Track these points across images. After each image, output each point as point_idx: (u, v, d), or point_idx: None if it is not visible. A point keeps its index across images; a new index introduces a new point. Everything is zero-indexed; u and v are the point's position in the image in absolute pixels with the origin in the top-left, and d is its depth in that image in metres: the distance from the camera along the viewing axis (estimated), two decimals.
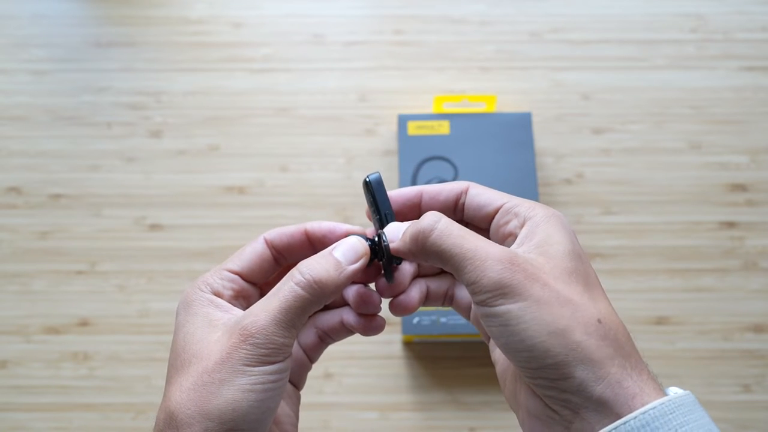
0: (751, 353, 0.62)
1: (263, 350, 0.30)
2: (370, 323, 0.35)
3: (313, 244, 0.35)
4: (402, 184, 0.65)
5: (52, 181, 0.68)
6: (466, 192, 0.35)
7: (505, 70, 0.73)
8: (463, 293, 0.37)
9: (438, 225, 0.31)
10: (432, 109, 0.69)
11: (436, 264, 0.32)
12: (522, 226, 0.32)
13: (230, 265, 0.34)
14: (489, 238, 0.33)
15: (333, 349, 0.61)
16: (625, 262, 0.65)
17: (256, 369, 0.29)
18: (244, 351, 0.29)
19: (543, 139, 0.69)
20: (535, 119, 0.69)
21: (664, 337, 0.62)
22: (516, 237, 0.32)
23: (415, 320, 0.60)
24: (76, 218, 0.67)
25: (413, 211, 0.35)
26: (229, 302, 0.33)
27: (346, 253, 0.32)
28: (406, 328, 0.60)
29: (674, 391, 0.29)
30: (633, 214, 0.66)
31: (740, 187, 0.67)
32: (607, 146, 0.69)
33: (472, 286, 0.30)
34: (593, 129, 0.70)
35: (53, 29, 0.75)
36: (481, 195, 0.34)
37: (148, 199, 0.67)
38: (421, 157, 0.66)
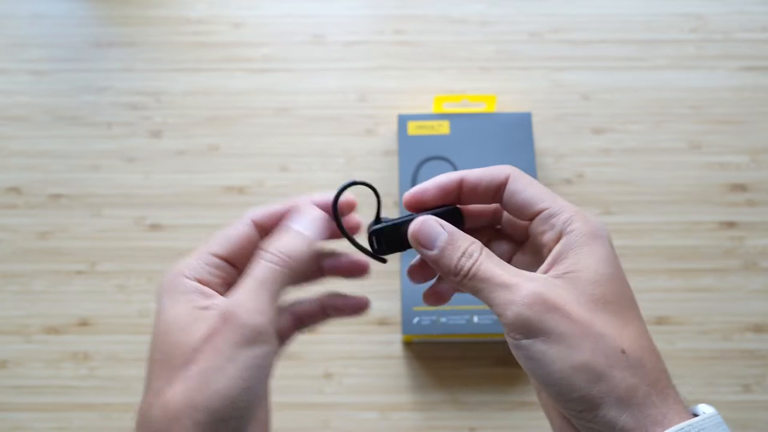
0: (751, 353, 0.62)
1: (246, 332, 0.29)
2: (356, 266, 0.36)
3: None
4: (402, 184, 0.65)
5: (52, 181, 0.68)
6: (506, 184, 0.34)
7: (505, 70, 0.73)
8: None
9: (474, 265, 0.31)
10: (432, 109, 0.69)
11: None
12: (557, 239, 0.31)
13: (216, 248, 0.33)
14: (528, 236, 0.34)
15: (333, 349, 0.62)
16: (625, 262, 0.64)
17: (241, 355, 0.29)
18: (228, 335, 0.29)
19: (543, 139, 0.69)
20: (535, 119, 0.69)
21: (664, 337, 0.62)
22: (551, 250, 0.32)
23: (415, 320, 0.60)
24: (76, 218, 0.67)
25: (450, 198, 0.35)
26: (216, 290, 0.32)
27: (303, 223, 0.33)
28: (406, 328, 0.60)
29: (703, 410, 0.29)
30: (633, 214, 0.66)
31: (740, 187, 0.67)
32: (607, 146, 0.69)
33: (500, 318, 0.30)
34: (593, 129, 0.70)
35: (53, 29, 0.75)
36: (520, 193, 0.33)
37: (148, 199, 0.67)
38: (421, 157, 0.66)
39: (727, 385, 0.61)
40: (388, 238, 0.33)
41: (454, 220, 0.34)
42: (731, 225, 0.66)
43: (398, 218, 0.34)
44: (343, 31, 0.75)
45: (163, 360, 0.30)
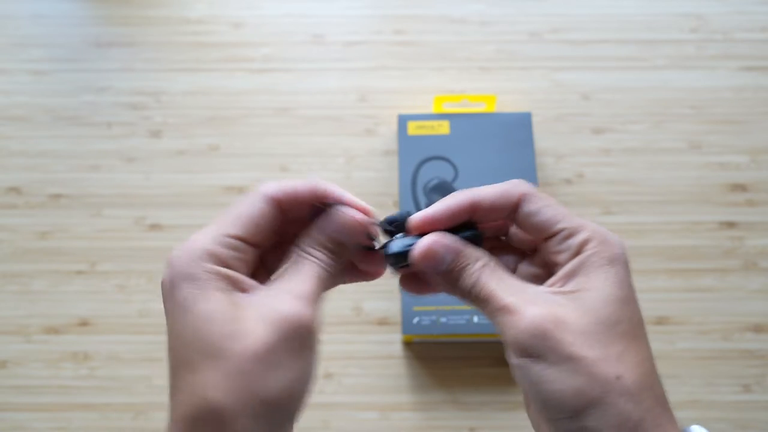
0: (751, 353, 0.62)
1: (312, 337, 0.30)
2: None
3: (315, 203, 0.33)
4: (402, 185, 0.65)
5: (52, 181, 0.68)
6: (519, 204, 0.33)
7: (505, 70, 0.73)
8: None
9: (477, 284, 0.31)
10: (432, 109, 0.69)
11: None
12: (571, 258, 0.32)
13: (233, 230, 0.31)
14: (536, 249, 0.33)
15: (333, 349, 0.61)
16: None
17: (309, 357, 0.30)
18: (295, 343, 0.29)
19: (543, 139, 0.69)
20: (535, 119, 0.69)
21: (664, 337, 0.62)
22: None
23: (415, 320, 0.60)
24: (76, 218, 0.67)
25: (461, 218, 0.34)
26: (243, 273, 0.31)
27: (350, 233, 0.32)
28: (406, 328, 0.60)
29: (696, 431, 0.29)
30: (633, 214, 0.66)
31: (740, 187, 0.67)
32: (607, 146, 0.69)
33: (501, 336, 0.31)
34: (593, 129, 0.70)
35: (53, 29, 0.75)
36: (535, 215, 0.32)
37: (148, 199, 0.67)
38: (421, 157, 0.66)
39: (727, 385, 0.61)
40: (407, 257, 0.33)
41: (473, 242, 0.33)
42: (731, 225, 0.66)
43: (413, 239, 0.33)
44: (343, 31, 0.75)
45: (210, 355, 0.28)
